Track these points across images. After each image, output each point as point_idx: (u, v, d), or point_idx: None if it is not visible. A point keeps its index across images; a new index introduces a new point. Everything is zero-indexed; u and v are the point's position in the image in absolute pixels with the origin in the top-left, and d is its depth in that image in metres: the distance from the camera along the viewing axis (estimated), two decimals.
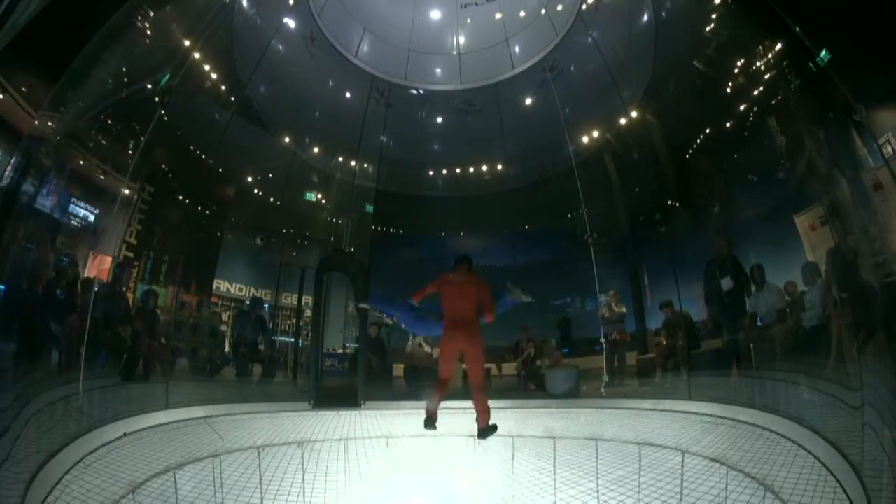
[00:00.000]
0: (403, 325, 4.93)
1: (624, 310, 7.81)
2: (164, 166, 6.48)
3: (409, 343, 8.66)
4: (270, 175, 8.74)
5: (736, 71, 5.58)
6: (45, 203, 4.45)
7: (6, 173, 3.79)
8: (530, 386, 8.09)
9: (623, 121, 8.13)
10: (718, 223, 6.36)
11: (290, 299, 8.48)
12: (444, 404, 4.11)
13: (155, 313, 6.20)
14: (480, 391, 4.11)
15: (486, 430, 4.10)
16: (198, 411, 5.60)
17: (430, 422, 3.99)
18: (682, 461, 2.98)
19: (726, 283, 5.75)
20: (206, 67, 6.81)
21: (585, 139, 8.63)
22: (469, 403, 4.23)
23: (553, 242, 9.23)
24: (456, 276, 4.27)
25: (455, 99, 9.19)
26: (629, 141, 8.17)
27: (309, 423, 5.55)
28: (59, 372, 4.38)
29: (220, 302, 7.70)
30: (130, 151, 5.63)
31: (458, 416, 4.60)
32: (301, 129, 8.76)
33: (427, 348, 8.61)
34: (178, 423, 5.01)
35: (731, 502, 2.57)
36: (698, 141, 6.66)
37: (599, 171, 8.58)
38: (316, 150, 9.08)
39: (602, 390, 7.19)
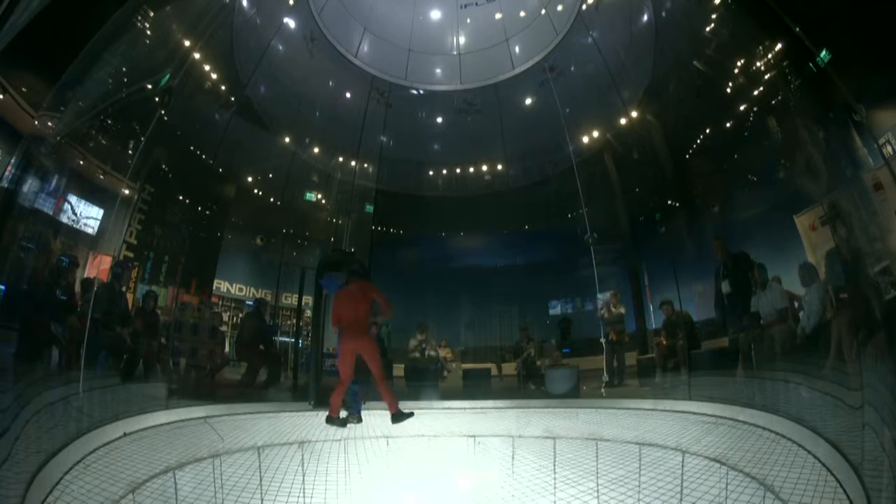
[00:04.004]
0: None
1: (623, 310, 7.80)
2: (164, 166, 6.47)
3: (411, 342, 8.65)
4: (270, 175, 8.73)
5: (736, 71, 5.57)
6: (45, 203, 4.45)
7: (6, 173, 3.79)
8: (530, 386, 8.09)
9: (623, 121, 8.11)
10: (718, 223, 6.36)
11: (290, 299, 8.47)
12: (444, 404, 4.11)
13: (155, 313, 6.19)
14: (382, 380, 4.74)
15: (398, 415, 4.57)
16: (198, 411, 5.60)
17: (332, 419, 4.69)
18: (682, 461, 2.98)
19: (725, 287, 5.76)
20: (206, 67, 6.80)
21: (585, 139, 8.61)
22: (467, 403, 4.24)
23: (553, 242, 9.22)
24: (349, 286, 4.94)
25: (455, 99, 9.17)
26: (629, 141, 8.17)
27: (309, 423, 5.54)
28: (59, 372, 4.38)
29: (220, 302, 7.70)
30: (130, 151, 5.63)
31: (457, 416, 4.60)
32: (301, 129, 8.74)
33: (432, 351, 8.60)
34: (178, 423, 5.00)
35: (731, 502, 2.57)
36: (698, 141, 6.66)
37: (599, 171, 8.57)
38: (316, 150, 9.06)
39: (602, 390, 7.18)
